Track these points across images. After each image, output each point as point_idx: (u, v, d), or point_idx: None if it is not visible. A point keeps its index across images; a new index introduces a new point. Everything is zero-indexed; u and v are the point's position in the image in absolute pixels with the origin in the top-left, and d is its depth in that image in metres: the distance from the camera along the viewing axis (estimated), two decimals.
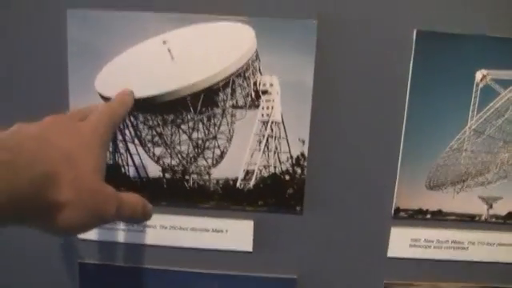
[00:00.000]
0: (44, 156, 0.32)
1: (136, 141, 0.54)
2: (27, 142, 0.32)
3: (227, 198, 0.55)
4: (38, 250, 0.58)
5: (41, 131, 0.34)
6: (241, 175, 0.54)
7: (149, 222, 0.56)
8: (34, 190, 0.30)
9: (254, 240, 0.56)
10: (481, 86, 0.52)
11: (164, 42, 0.51)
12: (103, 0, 0.51)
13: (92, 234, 0.57)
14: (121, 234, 0.57)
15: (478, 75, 0.51)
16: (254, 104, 0.53)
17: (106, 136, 0.39)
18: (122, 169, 0.54)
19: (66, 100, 0.53)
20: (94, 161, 0.35)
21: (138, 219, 0.40)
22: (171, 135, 0.54)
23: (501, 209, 0.55)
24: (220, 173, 0.54)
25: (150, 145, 0.54)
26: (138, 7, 0.51)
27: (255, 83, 0.52)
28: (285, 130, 0.53)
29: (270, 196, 0.54)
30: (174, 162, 0.54)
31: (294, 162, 0.53)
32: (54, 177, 0.31)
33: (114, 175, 0.54)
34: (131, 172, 0.54)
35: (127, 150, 0.54)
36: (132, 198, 0.38)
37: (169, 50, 0.51)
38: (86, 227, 0.34)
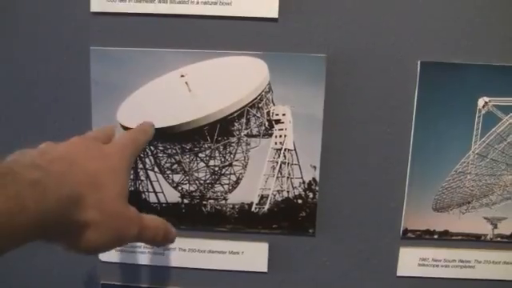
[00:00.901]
0: (71, 178, 0.32)
1: (156, 168, 0.57)
2: (56, 163, 0.32)
3: (243, 222, 0.57)
4: (63, 271, 0.61)
5: (69, 152, 0.35)
6: (256, 200, 0.57)
7: (169, 246, 0.59)
8: (60, 210, 0.30)
9: (269, 261, 0.58)
10: (483, 112, 0.54)
11: (182, 76, 0.54)
12: (124, 38, 0.54)
13: (114, 256, 0.60)
14: (142, 256, 0.59)
15: (481, 102, 0.54)
16: (268, 133, 0.55)
17: (130, 161, 0.39)
18: (143, 195, 0.57)
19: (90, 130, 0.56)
20: (119, 184, 0.36)
21: (159, 242, 0.40)
22: (189, 163, 0.56)
23: (505, 228, 0.57)
24: (236, 198, 0.57)
25: (168, 172, 0.57)
26: (156, 44, 0.54)
27: (268, 113, 0.55)
28: (297, 157, 0.55)
29: (284, 219, 0.57)
30: (192, 188, 0.57)
31: (306, 186, 0.56)
32: (79, 198, 0.32)
33: (135, 201, 0.57)
34: (151, 198, 0.57)
35: (147, 177, 0.57)
36: (155, 222, 0.39)
37: (186, 83, 0.54)
38: (108, 247, 0.35)
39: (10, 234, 0.27)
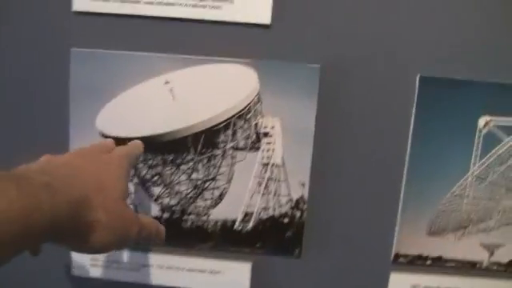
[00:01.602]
0: (78, 181, 0.34)
1: (135, 180, 0.54)
2: (62, 168, 0.35)
3: (225, 240, 0.54)
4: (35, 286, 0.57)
5: (71, 159, 0.38)
6: (239, 217, 0.53)
7: (146, 262, 0.55)
8: (70, 212, 0.31)
9: (251, 283, 0.55)
10: (484, 132, 0.51)
11: (166, 82, 0.51)
12: (106, 40, 0.52)
13: (87, 271, 0.56)
14: (116, 272, 0.56)
15: (481, 121, 0.51)
16: (255, 146, 0.52)
17: (128, 170, 0.41)
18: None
19: (67, 137, 0.53)
20: (120, 188, 0.37)
21: (153, 240, 0.42)
22: (171, 175, 0.53)
23: (502, 256, 0.54)
24: (219, 214, 0.54)
25: (149, 184, 0.54)
26: (141, 48, 0.51)
27: (256, 125, 0.52)
28: (285, 173, 0.52)
29: (269, 238, 0.54)
30: (172, 202, 0.54)
31: (293, 204, 0.53)
32: (87, 200, 0.33)
33: None
34: None
35: None
36: (148, 220, 0.41)
37: (170, 91, 0.51)
38: (113, 246, 0.37)
39: (26, 233, 0.28)
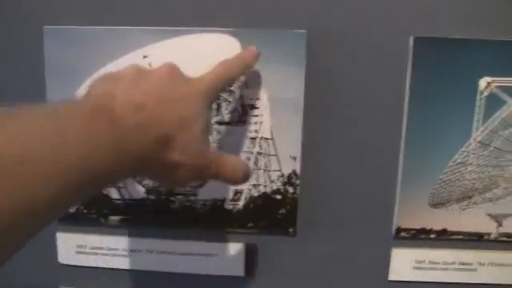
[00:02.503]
0: (166, 119, 0.33)
1: None
2: (153, 96, 0.34)
3: (215, 220, 0.51)
4: (21, 277, 0.55)
5: (162, 89, 0.35)
6: (229, 196, 0.51)
7: (134, 247, 0.53)
8: (155, 152, 0.33)
9: (246, 264, 0.53)
10: (485, 94, 0.48)
11: (144, 57, 0.49)
12: (80, 16, 0.49)
13: (73, 259, 0.54)
14: (104, 258, 0.54)
15: (482, 83, 0.48)
16: (241, 120, 0.49)
17: (214, 99, 0.41)
18: (103, 190, 0.51)
19: None
20: (203, 123, 0.36)
21: (238, 181, 0.41)
22: None
23: (511, 227, 0.51)
24: (207, 193, 0.51)
25: None
26: (116, 22, 0.49)
27: (242, 97, 0.49)
28: (275, 147, 0.49)
29: (261, 217, 0.51)
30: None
31: (285, 180, 0.50)
32: (171, 139, 0.33)
33: (95, 198, 0.51)
34: (114, 194, 0.51)
35: None
36: (232, 160, 0.40)
37: (150, 65, 0.49)
38: (193, 181, 0.41)
39: (115, 170, 0.30)
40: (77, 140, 0.28)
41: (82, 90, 0.50)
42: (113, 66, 0.49)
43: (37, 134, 0.26)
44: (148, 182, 0.51)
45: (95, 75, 0.49)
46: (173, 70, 0.38)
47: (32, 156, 0.25)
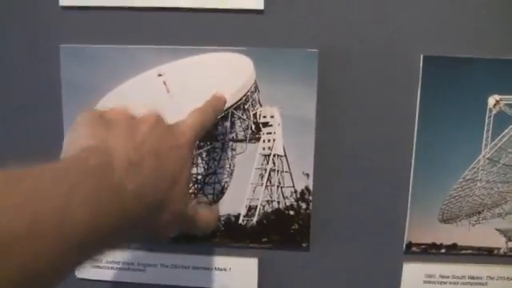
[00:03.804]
0: (159, 183, 0.34)
1: None
2: (148, 162, 0.33)
3: (230, 235, 0.52)
4: None
5: (155, 143, 0.35)
6: (243, 211, 0.52)
7: (149, 261, 0.54)
8: (147, 214, 0.33)
9: (259, 279, 0.53)
10: (494, 112, 0.49)
11: (159, 75, 0.50)
12: (96, 35, 0.50)
13: (91, 273, 0.55)
14: (121, 272, 0.55)
15: (491, 101, 0.48)
16: (255, 137, 0.50)
17: (193, 149, 0.40)
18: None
19: (61, 135, 0.51)
20: (188, 176, 0.37)
21: (207, 232, 0.46)
22: None
23: None
24: (221, 209, 0.52)
25: None
26: (132, 41, 0.50)
27: (255, 115, 0.50)
28: (288, 164, 0.50)
29: (275, 232, 0.52)
30: None
31: (298, 196, 0.51)
32: (161, 204, 0.34)
33: None
34: None
35: None
36: (206, 218, 0.42)
37: (164, 83, 0.50)
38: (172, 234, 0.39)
39: (111, 236, 0.30)
40: (81, 209, 0.27)
41: (98, 107, 0.50)
42: (128, 85, 0.50)
43: (44, 204, 0.25)
44: None
45: (112, 92, 0.50)
46: (158, 119, 0.37)
47: (38, 229, 0.24)
